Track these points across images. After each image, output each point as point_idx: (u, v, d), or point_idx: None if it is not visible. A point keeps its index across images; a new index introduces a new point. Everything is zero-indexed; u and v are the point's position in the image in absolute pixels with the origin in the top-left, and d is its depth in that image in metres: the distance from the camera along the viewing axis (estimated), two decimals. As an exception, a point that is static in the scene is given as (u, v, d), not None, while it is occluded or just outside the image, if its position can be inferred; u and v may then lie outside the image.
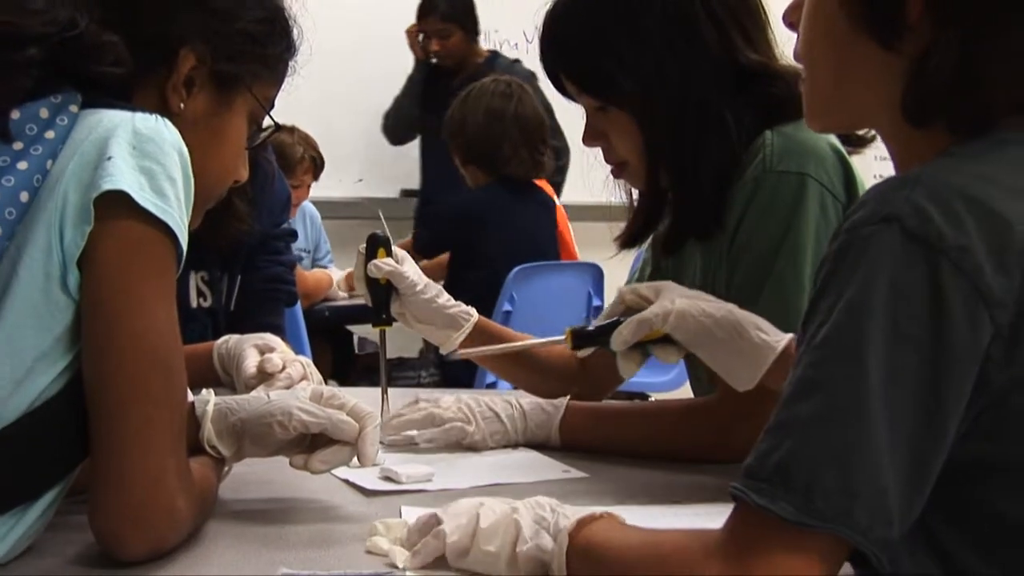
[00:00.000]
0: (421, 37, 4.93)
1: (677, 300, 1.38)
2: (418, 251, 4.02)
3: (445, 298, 1.77)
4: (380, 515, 1.26)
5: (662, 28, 1.57)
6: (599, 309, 3.93)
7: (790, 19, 1.07)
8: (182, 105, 1.25)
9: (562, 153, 4.40)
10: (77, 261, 1.07)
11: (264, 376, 1.69)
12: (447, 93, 4.82)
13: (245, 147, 1.35)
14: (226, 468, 1.31)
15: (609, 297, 2.84)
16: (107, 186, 1.07)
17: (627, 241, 1.74)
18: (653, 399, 3.47)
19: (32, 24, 1.13)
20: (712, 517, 0.96)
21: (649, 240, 1.76)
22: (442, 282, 3.75)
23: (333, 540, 1.21)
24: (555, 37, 1.65)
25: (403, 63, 5.02)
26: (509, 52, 5.33)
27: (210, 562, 1.13)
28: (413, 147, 5.15)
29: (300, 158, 4.36)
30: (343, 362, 4.55)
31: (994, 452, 0.89)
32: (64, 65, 1.14)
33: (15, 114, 1.11)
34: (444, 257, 4.04)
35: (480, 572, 1.08)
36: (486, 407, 1.65)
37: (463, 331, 1.76)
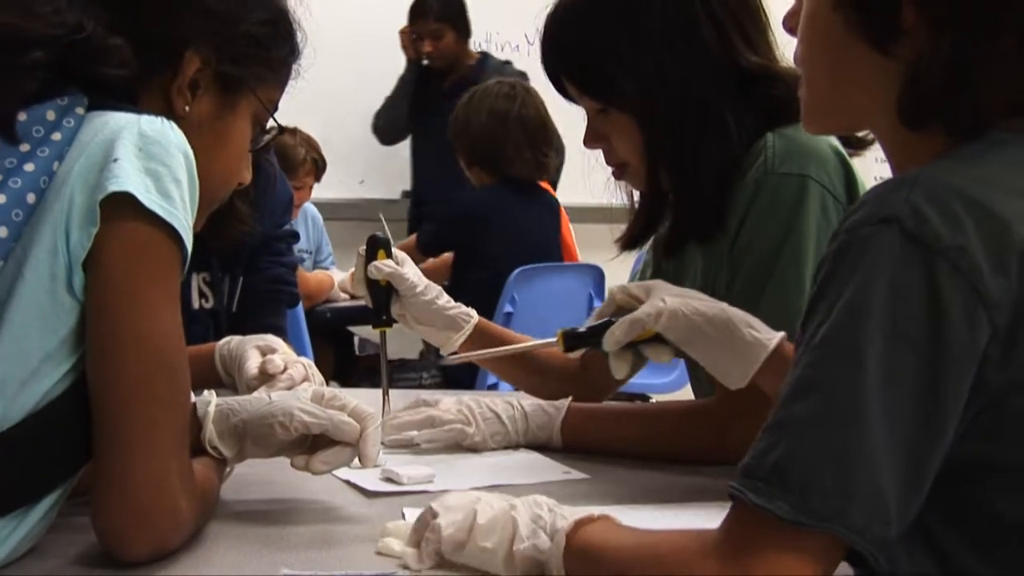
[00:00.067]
0: (413, 38, 4.93)
1: (668, 299, 1.37)
2: (421, 249, 4.03)
3: (445, 299, 1.77)
4: (381, 516, 1.27)
5: (662, 28, 1.57)
6: (600, 311, 3.92)
7: (789, 24, 1.08)
8: (187, 108, 1.25)
9: (558, 152, 4.41)
10: (83, 263, 1.07)
11: (266, 377, 1.69)
12: (438, 94, 4.84)
13: (249, 150, 1.36)
14: (228, 469, 1.31)
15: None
16: (113, 188, 1.07)
17: (628, 243, 1.74)
18: (654, 400, 3.47)
19: (39, 27, 1.13)
20: (711, 518, 0.96)
21: (650, 242, 1.76)
22: (446, 282, 3.77)
23: (334, 541, 1.22)
24: (556, 39, 1.65)
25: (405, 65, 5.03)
26: (510, 54, 5.33)
27: (212, 563, 1.14)
28: (415, 148, 5.16)
29: (302, 159, 4.37)
30: (344, 363, 4.55)
31: (992, 452, 0.89)
32: (70, 68, 1.14)
33: (22, 116, 1.11)
34: (448, 258, 4.04)
35: (476, 568, 1.09)
36: (487, 408, 1.65)
37: (463, 333, 1.77)
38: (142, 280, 1.09)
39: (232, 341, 1.80)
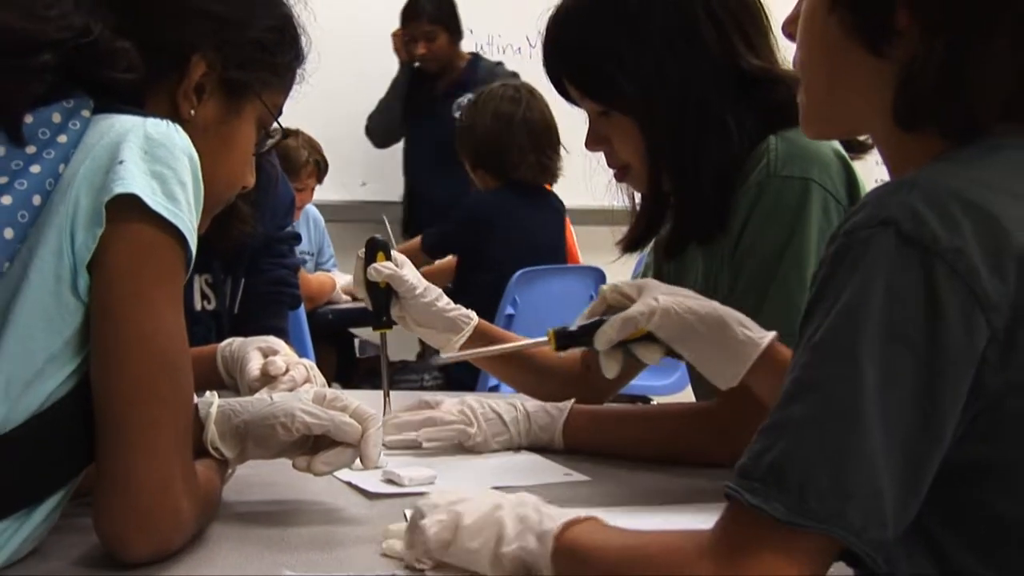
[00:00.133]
0: (406, 40, 4.93)
1: (661, 297, 1.37)
2: (427, 251, 4.03)
3: (445, 301, 1.77)
4: (383, 518, 1.27)
5: (662, 29, 1.57)
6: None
7: (788, 30, 1.09)
8: (192, 112, 1.26)
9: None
10: (87, 264, 1.08)
11: (267, 379, 1.69)
12: (432, 96, 4.85)
13: (253, 154, 1.36)
14: (229, 470, 1.32)
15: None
16: (119, 189, 1.08)
17: (629, 245, 1.74)
18: (655, 402, 3.47)
19: (47, 30, 1.13)
20: (711, 520, 0.96)
21: (651, 244, 1.76)
22: (449, 285, 3.77)
23: (336, 542, 1.22)
24: (557, 40, 1.66)
25: (408, 67, 5.04)
26: (512, 57, 5.33)
27: (213, 564, 1.14)
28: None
29: (304, 161, 4.37)
30: (346, 365, 4.55)
31: (990, 454, 0.89)
32: (77, 71, 1.14)
33: (28, 118, 1.11)
34: (450, 261, 4.05)
35: (464, 568, 1.09)
36: (489, 409, 1.65)
37: (463, 334, 1.77)
38: (146, 281, 1.09)
39: (234, 343, 1.80)
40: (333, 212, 4.85)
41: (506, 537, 1.05)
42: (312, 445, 1.30)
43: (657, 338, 1.38)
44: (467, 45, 5.12)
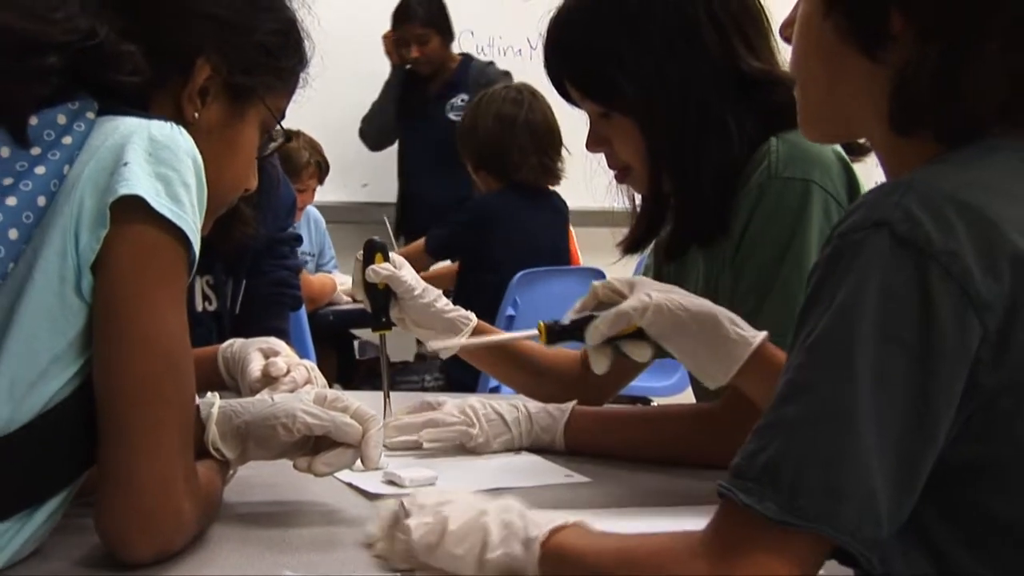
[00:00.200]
0: (397, 42, 4.92)
1: (654, 294, 1.37)
2: (431, 252, 4.04)
3: (443, 302, 1.77)
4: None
5: (662, 30, 1.58)
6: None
7: (785, 34, 1.09)
8: (196, 115, 1.26)
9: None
10: (91, 265, 1.08)
11: (268, 380, 1.69)
12: (425, 98, 4.85)
13: (256, 157, 1.37)
14: (231, 471, 1.32)
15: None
16: (123, 191, 1.08)
17: (630, 246, 1.74)
18: (656, 404, 3.47)
19: (53, 32, 1.14)
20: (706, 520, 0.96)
21: (652, 246, 1.76)
22: (450, 288, 3.77)
23: (336, 543, 1.22)
24: (558, 42, 1.66)
25: (409, 68, 5.04)
26: (513, 59, 5.33)
27: (214, 565, 1.14)
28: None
29: (305, 163, 4.37)
30: (347, 366, 4.55)
31: (985, 454, 0.90)
32: (83, 73, 1.15)
33: (33, 120, 1.12)
34: (450, 267, 4.05)
35: (448, 572, 1.08)
36: (491, 410, 1.66)
37: (462, 335, 1.77)
38: (150, 282, 1.10)
39: (235, 344, 1.80)
40: (334, 213, 4.85)
41: (491, 543, 1.05)
42: (313, 446, 1.30)
43: (647, 336, 1.38)
44: (468, 47, 5.13)
